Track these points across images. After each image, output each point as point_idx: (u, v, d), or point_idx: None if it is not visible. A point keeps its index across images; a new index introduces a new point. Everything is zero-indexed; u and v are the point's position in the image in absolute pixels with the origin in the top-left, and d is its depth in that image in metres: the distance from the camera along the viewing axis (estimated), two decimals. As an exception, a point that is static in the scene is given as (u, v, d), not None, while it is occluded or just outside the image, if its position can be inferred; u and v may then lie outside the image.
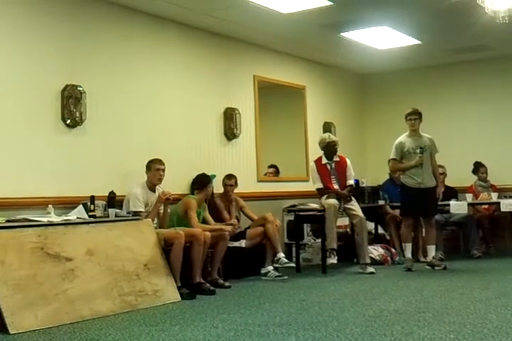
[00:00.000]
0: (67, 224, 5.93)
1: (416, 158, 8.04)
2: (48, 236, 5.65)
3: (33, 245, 5.50)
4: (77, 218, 6.16)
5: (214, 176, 7.79)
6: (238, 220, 7.95)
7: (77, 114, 6.69)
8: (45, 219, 5.80)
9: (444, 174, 9.63)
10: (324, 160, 8.48)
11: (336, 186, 8.34)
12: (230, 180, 8.13)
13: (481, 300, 6.00)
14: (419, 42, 9.26)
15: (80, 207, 6.31)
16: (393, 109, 10.28)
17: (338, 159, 8.51)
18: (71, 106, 6.64)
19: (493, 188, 9.82)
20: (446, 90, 10.84)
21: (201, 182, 7.50)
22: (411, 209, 8.22)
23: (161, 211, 7.01)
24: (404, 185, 8.19)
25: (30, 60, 6.40)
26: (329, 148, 8.48)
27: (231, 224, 7.42)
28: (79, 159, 6.76)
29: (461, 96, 10.74)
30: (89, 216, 6.25)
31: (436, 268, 8.11)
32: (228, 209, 8.03)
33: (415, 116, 8.18)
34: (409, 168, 8.09)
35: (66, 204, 6.43)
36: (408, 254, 8.24)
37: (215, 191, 7.95)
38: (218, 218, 7.80)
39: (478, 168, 9.96)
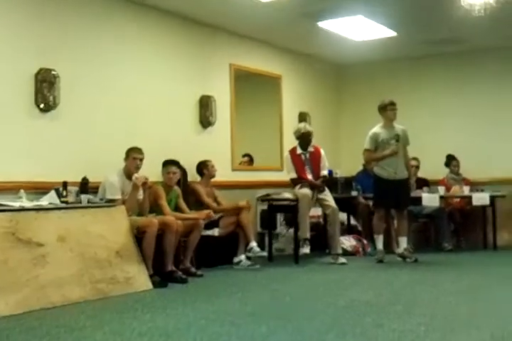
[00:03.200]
0: (39, 209, 5.88)
1: (391, 147, 8.05)
2: (20, 221, 5.59)
3: (4, 230, 5.44)
4: (49, 204, 6.09)
5: (175, 162, 7.55)
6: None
7: (51, 98, 6.62)
8: (16, 204, 5.75)
9: (418, 167, 9.69)
10: (299, 150, 8.50)
11: (309, 176, 8.37)
12: (210, 162, 8.12)
13: (452, 292, 6.05)
14: (395, 33, 9.26)
15: (52, 193, 6.25)
16: (368, 100, 10.27)
17: (312, 149, 8.54)
18: (44, 90, 6.57)
19: (465, 182, 9.87)
20: (421, 82, 10.88)
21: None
22: (384, 201, 8.24)
23: (140, 197, 6.93)
24: (378, 176, 8.21)
25: (3, 44, 6.31)
26: (303, 139, 8.49)
27: (207, 214, 7.38)
28: (52, 144, 6.70)
29: (436, 89, 10.77)
30: (62, 202, 6.20)
31: (408, 260, 8.15)
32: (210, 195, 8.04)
33: (396, 107, 8.18)
34: (384, 158, 8.09)
35: (38, 189, 6.36)
36: (380, 246, 8.27)
37: (194, 179, 8.04)
38: (199, 203, 7.81)
39: (450, 160, 10.02)
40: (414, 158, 9.54)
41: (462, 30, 9.19)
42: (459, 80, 10.62)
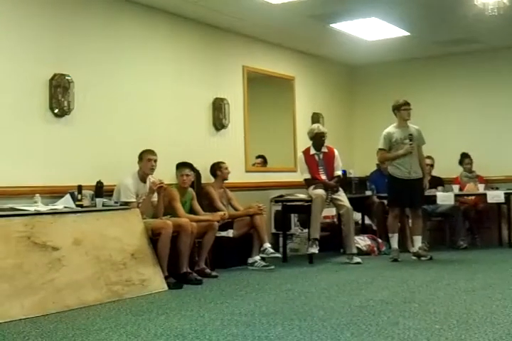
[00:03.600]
0: (54, 213, 5.92)
1: (405, 147, 8.05)
2: (35, 226, 5.64)
3: (19, 234, 5.49)
4: (64, 207, 6.14)
5: (188, 164, 7.55)
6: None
7: (65, 103, 6.67)
8: (32, 209, 5.80)
9: (432, 165, 9.68)
10: (312, 151, 8.51)
11: (323, 177, 8.37)
12: (224, 163, 8.17)
13: (467, 290, 6.04)
14: (408, 33, 9.25)
15: (67, 197, 6.30)
16: (381, 100, 10.29)
17: (326, 150, 8.54)
18: (59, 95, 6.62)
19: (480, 179, 9.85)
20: (434, 82, 10.86)
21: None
22: (398, 200, 8.25)
23: (155, 199, 6.98)
24: (392, 175, 8.21)
25: (18, 49, 6.37)
26: (317, 139, 8.50)
27: (221, 216, 7.40)
28: (66, 148, 6.74)
29: (449, 88, 10.76)
30: (77, 205, 6.25)
31: (423, 258, 8.15)
32: (222, 199, 8.08)
33: (410, 107, 8.19)
34: (398, 158, 8.10)
35: (53, 193, 6.42)
36: (394, 245, 8.27)
37: (208, 181, 8.08)
38: (212, 207, 7.82)
39: (463, 159, 10.00)
40: (429, 157, 9.54)
41: (475, 30, 9.17)
42: (472, 80, 10.59)
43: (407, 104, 8.20)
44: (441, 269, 7.47)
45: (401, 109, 8.20)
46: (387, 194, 8.49)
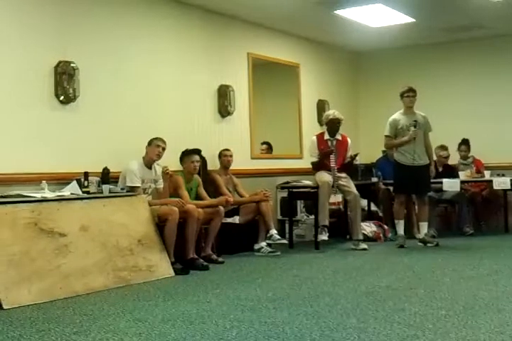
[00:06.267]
0: (60, 199, 5.94)
1: (410, 134, 8.05)
2: (42, 212, 5.66)
3: (26, 221, 5.51)
4: (71, 194, 6.16)
5: (197, 150, 7.58)
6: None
7: (71, 90, 6.67)
8: (38, 195, 5.81)
9: (448, 157, 9.68)
10: (326, 136, 8.46)
11: (333, 164, 8.31)
12: (228, 151, 8.20)
13: (473, 277, 6.06)
14: (414, 20, 9.20)
15: (74, 183, 6.31)
16: (387, 87, 10.29)
17: (339, 138, 8.48)
18: (64, 82, 6.62)
19: (478, 164, 9.85)
20: (439, 69, 10.82)
21: (180, 157, 7.52)
22: (403, 187, 8.25)
23: (160, 186, 7.02)
24: (397, 162, 8.22)
25: (23, 37, 6.37)
26: (331, 125, 8.44)
27: (226, 200, 7.41)
28: (72, 135, 6.75)
29: (454, 75, 10.72)
30: (83, 192, 6.27)
31: (429, 244, 8.17)
32: (228, 185, 8.09)
33: (413, 93, 8.18)
34: (403, 144, 8.10)
35: (60, 180, 6.43)
36: (401, 231, 8.28)
37: (214, 168, 8.07)
38: (218, 193, 7.82)
39: (460, 145, 9.97)
40: (444, 148, 9.56)
41: (480, 17, 9.15)
42: (476, 66, 10.57)
43: (410, 90, 8.19)
44: (447, 255, 7.49)
45: (404, 96, 8.20)
46: (393, 180, 8.49)
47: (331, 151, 8.25)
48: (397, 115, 8.25)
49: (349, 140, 8.57)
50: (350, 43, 10.79)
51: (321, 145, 8.40)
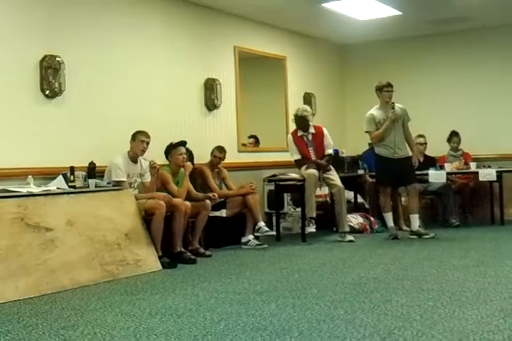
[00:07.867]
0: (47, 194, 5.93)
1: (389, 116, 8.05)
2: (28, 207, 5.65)
3: (12, 216, 5.49)
4: (57, 188, 6.15)
5: (184, 142, 7.49)
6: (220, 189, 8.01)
7: (56, 84, 6.64)
8: (24, 190, 5.79)
9: (425, 144, 9.70)
10: (300, 133, 8.50)
11: (313, 157, 8.35)
12: (220, 152, 8.12)
13: (460, 268, 6.08)
14: (400, 13, 9.21)
15: (60, 178, 6.29)
16: (373, 80, 10.11)
17: (313, 131, 8.51)
18: (50, 76, 6.59)
19: (466, 157, 9.88)
20: (425, 61, 10.84)
21: (165, 151, 7.47)
22: (385, 179, 8.29)
23: (148, 180, 7.01)
24: (379, 155, 8.25)
25: (7, 31, 6.33)
26: (299, 122, 8.49)
27: (210, 198, 7.40)
28: (58, 130, 6.73)
29: (440, 67, 10.74)
30: (69, 186, 6.25)
31: (425, 236, 8.16)
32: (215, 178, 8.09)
33: (392, 88, 8.20)
34: (388, 130, 8.09)
35: (46, 174, 6.42)
36: (390, 223, 8.30)
37: (200, 161, 8.02)
38: (206, 186, 7.85)
39: (451, 137, 10.01)
40: (421, 136, 9.58)
41: (467, 9, 9.16)
42: (462, 58, 10.59)
43: (389, 85, 8.20)
44: (434, 247, 7.51)
45: (383, 90, 8.20)
46: (375, 173, 8.54)
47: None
48: (374, 110, 8.27)
49: (325, 130, 8.59)
50: (337, 36, 10.79)
51: (297, 142, 8.44)
